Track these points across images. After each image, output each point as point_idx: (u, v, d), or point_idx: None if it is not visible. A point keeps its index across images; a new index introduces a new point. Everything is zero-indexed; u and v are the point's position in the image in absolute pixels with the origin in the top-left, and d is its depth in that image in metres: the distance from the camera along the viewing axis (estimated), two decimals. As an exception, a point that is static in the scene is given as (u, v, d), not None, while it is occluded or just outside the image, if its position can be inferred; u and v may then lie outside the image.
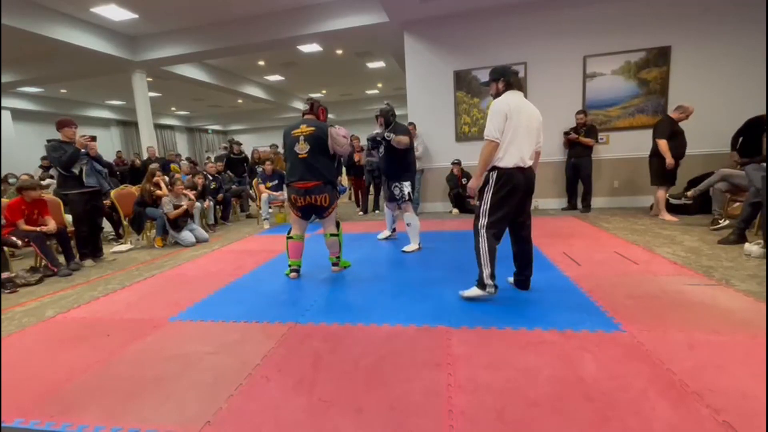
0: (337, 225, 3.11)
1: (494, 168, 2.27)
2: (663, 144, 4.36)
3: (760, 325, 1.89)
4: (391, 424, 1.34)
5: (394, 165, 3.67)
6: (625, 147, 5.57)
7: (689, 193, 4.28)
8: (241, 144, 7.94)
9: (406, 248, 3.74)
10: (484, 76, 5.74)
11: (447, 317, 2.18)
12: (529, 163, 2.26)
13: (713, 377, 1.49)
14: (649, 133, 5.38)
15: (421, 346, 1.88)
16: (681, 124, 4.43)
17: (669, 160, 4.31)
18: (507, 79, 2.32)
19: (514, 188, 2.24)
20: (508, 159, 2.22)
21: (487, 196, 2.30)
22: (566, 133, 5.43)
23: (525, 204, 2.37)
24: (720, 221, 3.90)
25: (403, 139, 3.51)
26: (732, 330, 1.86)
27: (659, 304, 2.21)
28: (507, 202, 2.26)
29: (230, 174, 7.20)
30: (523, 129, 2.22)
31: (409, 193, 3.68)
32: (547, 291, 2.52)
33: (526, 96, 2.38)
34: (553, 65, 5.61)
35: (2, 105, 10.24)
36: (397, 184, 3.68)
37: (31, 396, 1.65)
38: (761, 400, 1.35)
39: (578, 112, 5.37)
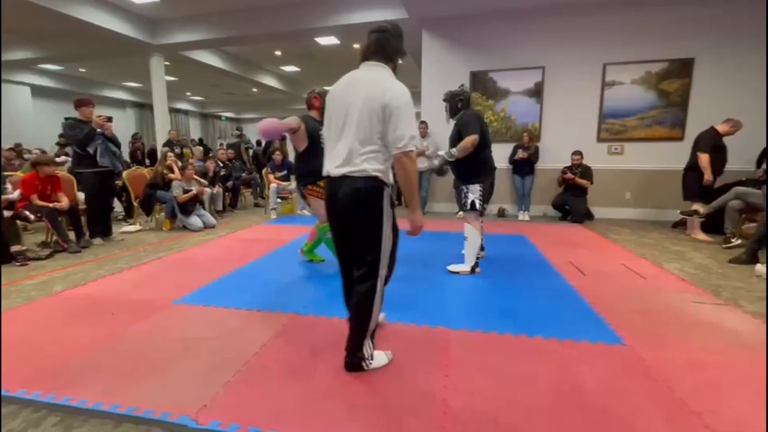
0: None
1: None
2: (705, 158, 4.08)
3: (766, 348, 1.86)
4: (384, 422, 1.35)
5: (461, 164, 2.96)
6: (640, 158, 5.48)
7: (702, 211, 4.19)
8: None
9: (453, 267, 3.08)
10: (501, 79, 5.83)
11: (447, 319, 2.18)
12: (340, 170, 1.51)
13: (714, 398, 1.47)
14: (666, 146, 5.33)
15: (419, 346, 1.88)
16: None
17: (707, 176, 4.06)
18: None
19: (327, 206, 1.62)
20: (325, 166, 1.61)
21: None
22: (563, 173, 5.36)
23: (348, 236, 1.59)
24: (732, 240, 3.82)
25: (467, 143, 2.79)
26: (736, 352, 1.83)
27: (664, 320, 2.18)
28: (331, 224, 1.66)
29: (245, 161, 7.26)
30: (338, 120, 1.54)
31: (475, 200, 2.91)
32: (551, 299, 2.50)
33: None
34: (572, 71, 5.53)
35: (22, 81, 10.42)
36: (463, 187, 2.98)
37: (35, 368, 1.69)
38: (762, 425, 1.33)
39: (574, 153, 5.30)
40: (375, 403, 1.46)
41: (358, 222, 1.54)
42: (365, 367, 1.65)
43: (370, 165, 1.49)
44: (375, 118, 1.46)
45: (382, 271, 1.59)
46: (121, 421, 1.38)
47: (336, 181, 1.53)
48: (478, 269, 3.05)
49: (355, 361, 1.64)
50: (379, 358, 1.69)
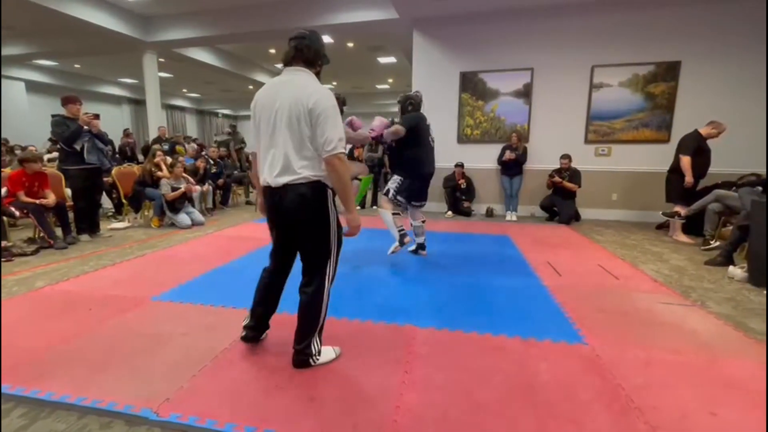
0: None
1: None
2: (686, 161, 4.13)
3: (722, 347, 1.91)
4: (338, 414, 1.40)
5: (393, 156, 3.39)
6: (627, 160, 5.54)
7: (683, 212, 4.25)
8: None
9: (390, 249, 3.35)
10: (491, 79, 5.87)
11: (417, 317, 2.23)
12: (279, 180, 1.53)
13: (659, 395, 1.53)
14: (652, 148, 5.39)
15: (385, 343, 1.93)
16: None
17: (688, 178, 4.11)
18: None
19: (270, 215, 1.67)
20: (262, 175, 1.62)
21: None
22: (551, 176, 5.40)
23: (294, 242, 1.67)
24: (711, 242, 3.88)
25: (396, 128, 3.02)
26: (692, 351, 1.88)
27: (628, 320, 2.23)
28: (271, 233, 1.72)
29: (234, 159, 7.30)
30: (267, 127, 1.56)
31: (390, 189, 3.23)
32: (522, 298, 2.55)
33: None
34: (560, 73, 5.57)
35: (16, 76, 10.41)
36: (391, 175, 3.38)
37: (8, 362, 1.73)
38: (699, 421, 1.39)
39: (562, 156, 5.32)
40: (333, 396, 1.50)
41: (307, 227, 1.59)
42: (312, 363, 1.69)
43: (310, 171, 1.53)
44: (303, 122, 1.49)
45: (330, 271, 1.65)
46: (86, 413, 1.43)
47: (277, 191, 1.55)
48: (407, 239, 3.27)
49: (302, 358, 1.68)
50: (326, 353, 1.75)
